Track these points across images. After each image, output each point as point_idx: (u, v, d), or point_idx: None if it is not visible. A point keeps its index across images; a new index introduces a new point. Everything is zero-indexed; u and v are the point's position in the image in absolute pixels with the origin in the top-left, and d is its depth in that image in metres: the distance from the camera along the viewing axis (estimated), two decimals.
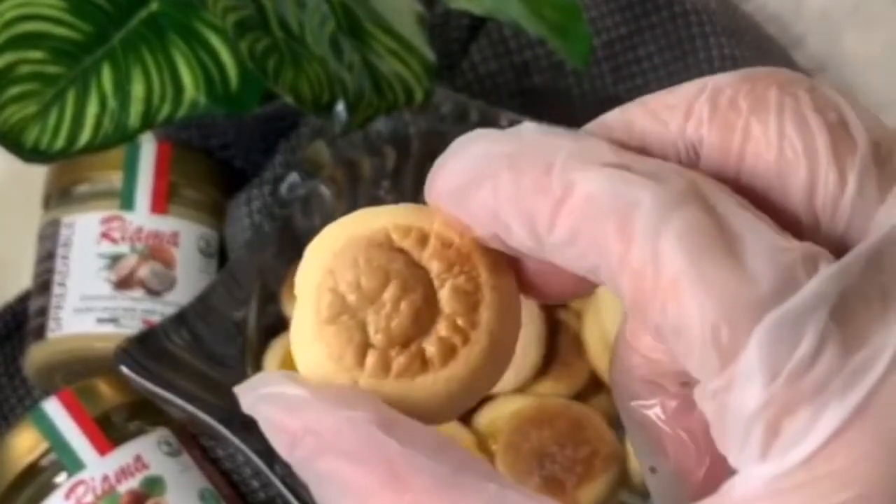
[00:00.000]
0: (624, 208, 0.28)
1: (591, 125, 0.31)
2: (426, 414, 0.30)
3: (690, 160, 0.30)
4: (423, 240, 0.31)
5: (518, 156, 0.30)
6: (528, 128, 0.31)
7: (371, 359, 0.30)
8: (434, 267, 0.31)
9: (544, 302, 0.32)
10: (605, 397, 0.67)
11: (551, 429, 0.64)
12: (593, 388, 0.67)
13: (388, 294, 0.30)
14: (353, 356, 0.30)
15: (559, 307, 0.68)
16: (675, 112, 0.30)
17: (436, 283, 0.31)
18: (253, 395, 0.31)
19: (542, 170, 0.29)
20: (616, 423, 0.65)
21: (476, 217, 0.31)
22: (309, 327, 0.31)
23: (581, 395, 0.67)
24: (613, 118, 0.31)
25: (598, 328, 0.66)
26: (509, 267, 0.32)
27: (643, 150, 0.31)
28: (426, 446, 0.29)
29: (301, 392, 0.30)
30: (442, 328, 0.31)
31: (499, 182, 0.30)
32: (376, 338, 0.30)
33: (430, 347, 0.30)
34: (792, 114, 0.29)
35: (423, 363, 0.30)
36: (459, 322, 0.31)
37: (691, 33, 0.79)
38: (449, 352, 0.30)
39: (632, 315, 0.32)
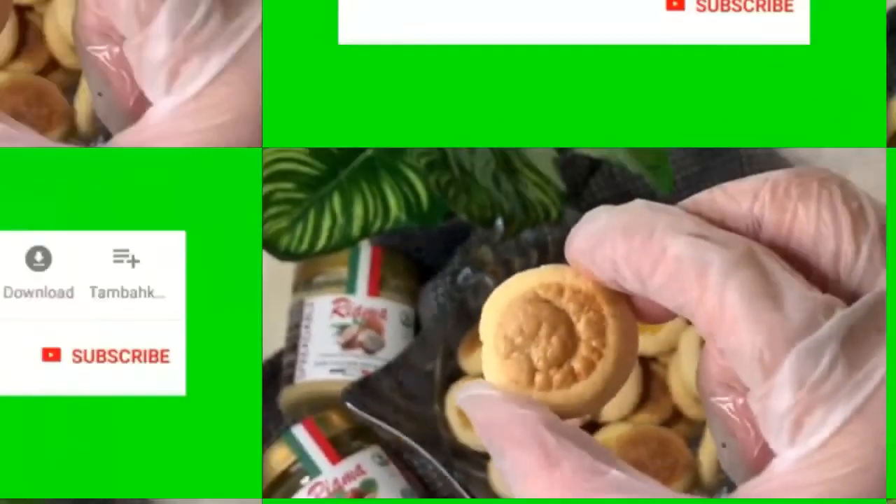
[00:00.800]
0: (701, 266, 0.31)
1: (686, 202, 0.34)
2: (581, 411, 0.33)
3: (755, 230, 0.33)
4: (560, 291, 0.33)
5: (630, 225, 0.32)
6: (638, 204, 0.33)
7: (538, 378, 0.33)
8: (571, 308, 0.33)
9: (650, 323, 0.34)
10: (683, 426, 0.72)
11: (645, 447, 0.71)
12: (675, 418, 0.72)
13: (542, 332, 0.33)
14: (525, 379, 0.33)
15: (651, 360, 0.72)
16: (745, 196, 0.33)
17: (573, 319, 0.33)
18: (463, 395, 0.34)
19: (645, 236, 0.32)
20: (690, 443, 0.71)
21: (601, 267, 0.33)
22: (493, 363, 0.34)
23: (667, 423, 0.72)
24: (703, 198, 0.33)
25: (678, 376, 0.71)
26: (626, 301, 0.34)
27: (723, 220, 0.33)
28: (575, 441, 0.31)
29: (495, 393, 0.33)
30: (583, 350, 0.33)
31: (616, 244, 0.32)
32: (539, 364, 0.33)
33: (577, 365, 0.33)
34: (826, 202, 0.31)
35: (573, 376, 0.33)
36: (594, 344, 0.33)
37: None
38: (589, 366, 0.33)
39: (706, 339, 0.33)
